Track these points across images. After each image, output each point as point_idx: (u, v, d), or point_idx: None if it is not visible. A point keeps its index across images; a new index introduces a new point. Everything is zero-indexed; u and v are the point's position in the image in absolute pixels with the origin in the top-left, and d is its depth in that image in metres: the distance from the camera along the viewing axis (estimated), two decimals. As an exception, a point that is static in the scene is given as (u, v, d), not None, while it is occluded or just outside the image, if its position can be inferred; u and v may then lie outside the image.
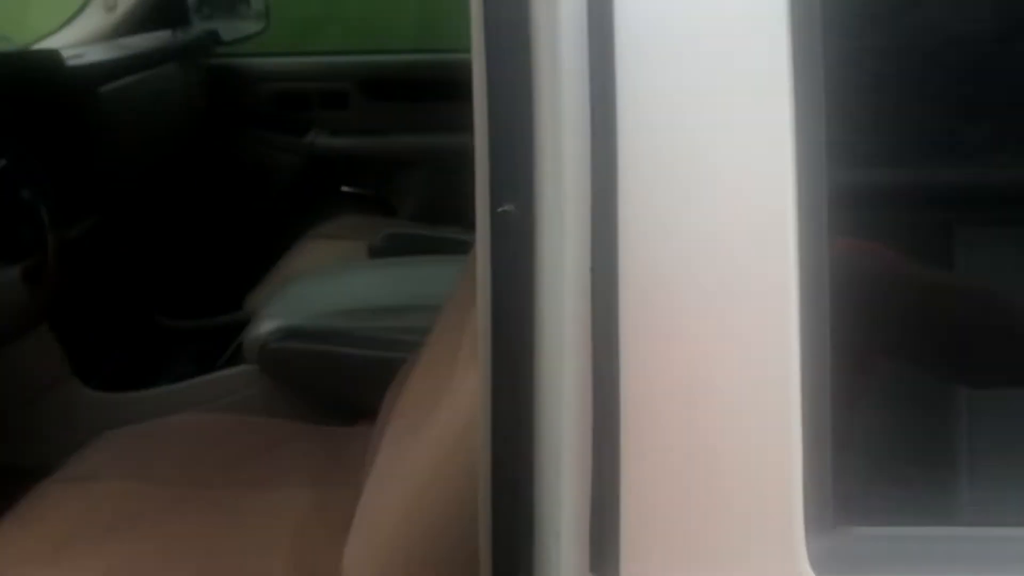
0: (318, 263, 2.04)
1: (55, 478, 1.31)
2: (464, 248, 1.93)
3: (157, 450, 1.35)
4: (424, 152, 2.64)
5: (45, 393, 1.57)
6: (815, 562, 0.52)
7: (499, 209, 0.54)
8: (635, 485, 0.51)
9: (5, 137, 1.25)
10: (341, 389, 1.49)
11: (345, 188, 2.70)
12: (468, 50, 0.59)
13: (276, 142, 2.62)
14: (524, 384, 0.55)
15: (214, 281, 2.25)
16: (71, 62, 1.80)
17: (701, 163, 0.50)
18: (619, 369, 0.50)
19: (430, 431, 0.79)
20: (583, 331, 0.51)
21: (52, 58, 1.74)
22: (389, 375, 1.37)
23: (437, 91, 2.62)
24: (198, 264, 2.36)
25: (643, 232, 0.50)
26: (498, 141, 0.54)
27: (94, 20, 2.24)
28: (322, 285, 1.70)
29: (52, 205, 1.26)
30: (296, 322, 1.51)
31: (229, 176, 2.60)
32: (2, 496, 1.49)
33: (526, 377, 0.55)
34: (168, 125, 2.34)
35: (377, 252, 1.92)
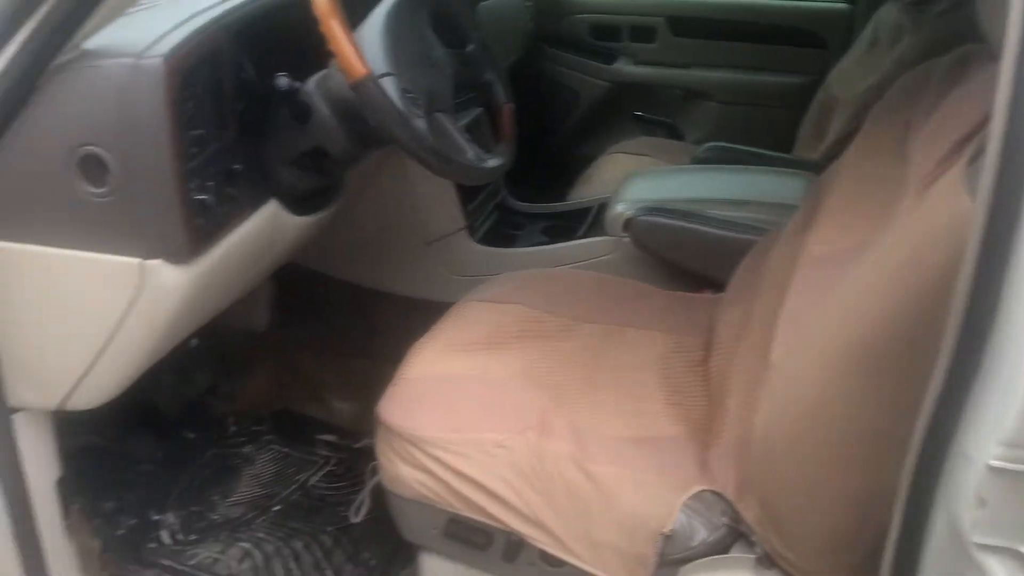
0: (622, 173, 2.35)
1: (471, 298, 1.68)
2: (775, 162, 2.19)
3: (547, 290, 1.70)
4: (716, 86, 2.89)
5: (442, 242, 2.00)
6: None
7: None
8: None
9: (471, 24, 1.62)
10: (693, 260, 1.81)
11: (638, 113, 3.00)
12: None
13: (586, 67, 2.95)
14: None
15: (537, 178, 2.61)
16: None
17: None
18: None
19: (873, 257, 1.06)
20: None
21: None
22: (738, 253, 1.66)
23: (737, 32, 2.86)
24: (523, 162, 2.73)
25: None
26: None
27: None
28: (666, 179, 2.02)
29: (507, 84, 1.62)
30: (659, 202, 1.84)
31: (544, 91, 2.96)
32: (406, 317, 1.91)
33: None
34: (506, 44, 2.71)
35: (700, 161, 2.21)
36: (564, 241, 2.00)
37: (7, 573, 1.29)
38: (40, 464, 1.37)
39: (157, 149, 1.13)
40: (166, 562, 1.65)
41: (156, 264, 1.18)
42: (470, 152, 1.42)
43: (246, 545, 1.70)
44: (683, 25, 2.88)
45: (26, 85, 1.11)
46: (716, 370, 1.51)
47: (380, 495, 1.40)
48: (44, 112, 1.13)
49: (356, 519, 1.41)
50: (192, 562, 1.65)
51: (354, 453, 1.93)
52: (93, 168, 1.14)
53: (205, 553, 1.67)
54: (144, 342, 1.25)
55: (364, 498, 1.42)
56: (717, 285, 1.71)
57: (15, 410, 1.30)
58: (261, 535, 1.73)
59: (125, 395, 1.40)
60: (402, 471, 1.32)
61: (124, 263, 1.18)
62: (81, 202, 1.15)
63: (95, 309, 1.22)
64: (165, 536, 1.71)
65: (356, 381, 2.02)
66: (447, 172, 1.37)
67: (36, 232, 1.18)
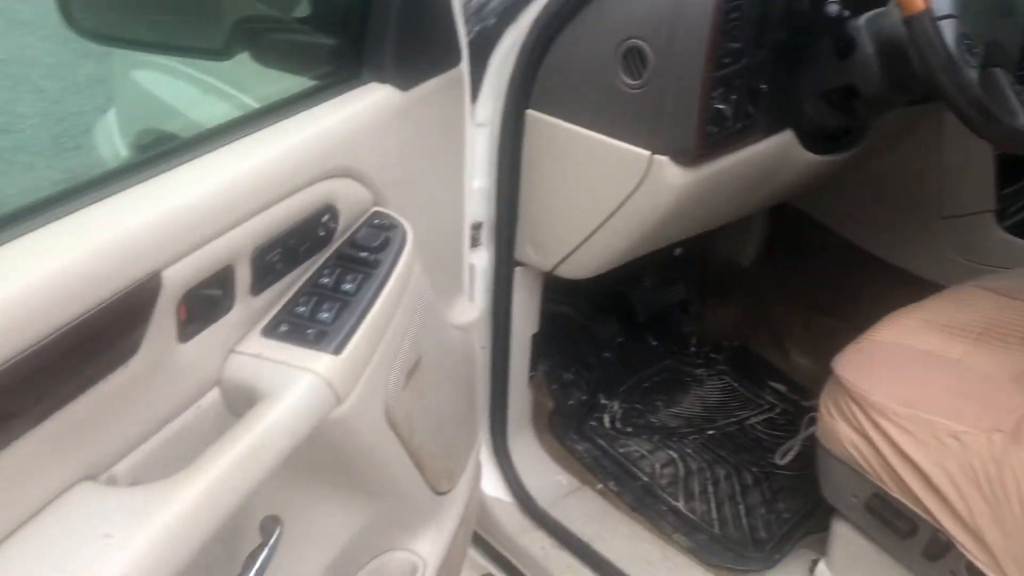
0: None
1: (975, 284, 1.51)
2: None
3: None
4: None
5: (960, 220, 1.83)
6: None
7: None
8: None
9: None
10: None
11: None
12: None
13: None
14: None
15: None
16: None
17: None
18: None
19: None
20: None
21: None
22: None
23: None
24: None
25: None
26: None
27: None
28: None
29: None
30: None
31: None
32: (895, 289, 1.79)
33: None
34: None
35: None
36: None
37: (475, 404, 1.50)
38: (524, 317, 1.57)
39: (695, 51, 1.19)
40: (600, 441, 1.79)
41: (663, 160, 1.26)
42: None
43: (673, 454, 1.78)
44: None
45: (599, -24, 1.23)
46: None
47: (811, 448, 1.36)
48: (606, 4, 1.25)
49: (780, 462, 1.39)
50: (622, 450, 1.78)
51: (800, 410, 1.89)
52: (634, 61, 1.24)
53: (635, 447, 1.79)
54: (634, 230, 1.35)
55: (795, 444, 1.39)
56: None
57: (518, 264, 1.50)
58: (689, 451, 1.79)
59: (606, 283, 1.52)
60: (840, 429, 1.26)
61: (636, 153, 1.27)
62: (616, 91, 1.26)
63: (603, 189, 1.34)
64: (606, 420, 1.86)
65: (822, 340, 1.94)
66: (990, 132, 1.23)
67: (575, 112, 1.32)
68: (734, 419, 1.89)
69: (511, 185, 1.42)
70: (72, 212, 0.67)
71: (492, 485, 1.63)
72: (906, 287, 1.88)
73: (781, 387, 1.98)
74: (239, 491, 0.73)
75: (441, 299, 1.24)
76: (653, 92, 1.23)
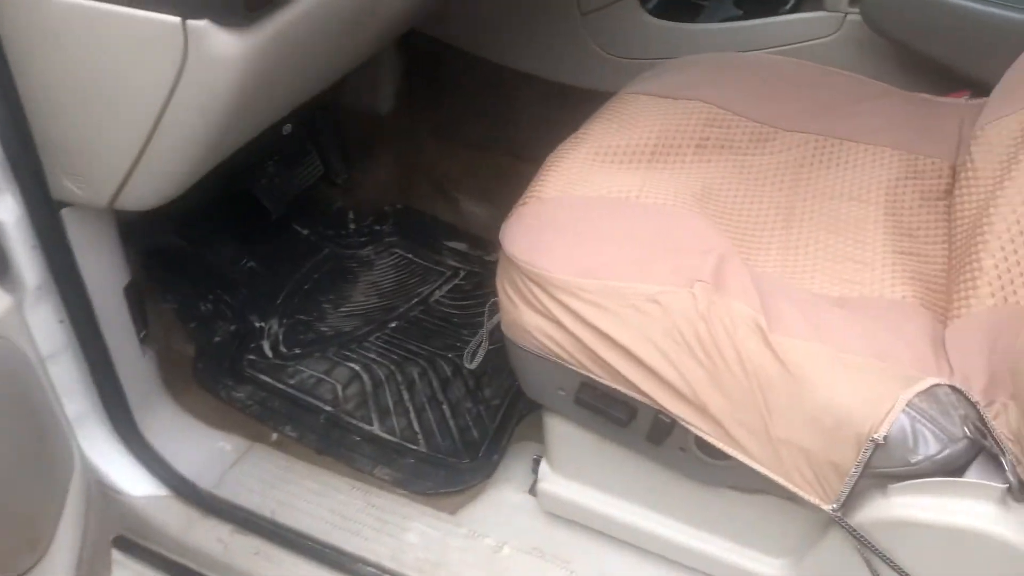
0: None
1: (634, 89, 1.30)
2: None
3: (739, 82, 1.30)
4: None
5: (602, 12, 1.58)
6: None
7: None
8: None
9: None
10: (946, 49, 1.33)
11: None
12: None
13: None
14: None
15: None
16: None
17: None
18: None
19: None
20: None
21: None
22: (1017, 41, 1.18)
23: None
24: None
25: None
26: None
27: None
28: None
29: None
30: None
31: None
32: (552, 106, 1.55)
33: None
34: None
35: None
36: (766, 16, 1.53)
37: (55, 423, 1.04)
38: (102, 269, 1.15)
39: None
40: (264, 378, 1.45)
41: (201, 26, 0.87)
42: None
43: (355, 366, 1.48)
44: None
45: None
46: (966, 207, 1.10)
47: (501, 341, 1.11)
48: None
49: (471, 366, 1.14)
50: (292, 381, 1.45)
51: (486, 267, 1.65)
52: None
53: (308, 372, 1.47)
54: (199, 128, 0.96)
55: (481, 341, 1.14)
56: (978, 85, 1.25)
57: (63, 205, 1.07)
58: (372, 355, 1.50)
59: (216, 187, 1.14)
60: (525, 318, 1.01)
61: (162, 23, 0.87)
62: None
63: (137, 83, 0.93)
64: (266, 347, 1.51)
65: (489, 180, 1.70)
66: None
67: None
68: (416, 299, 1.62)
69: (7, 98, 0.97)
70: None
71: (136, 483, 1.26)
72: (562, 100, 1.66)
73: (460, 245, 1.72)
74: None
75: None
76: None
